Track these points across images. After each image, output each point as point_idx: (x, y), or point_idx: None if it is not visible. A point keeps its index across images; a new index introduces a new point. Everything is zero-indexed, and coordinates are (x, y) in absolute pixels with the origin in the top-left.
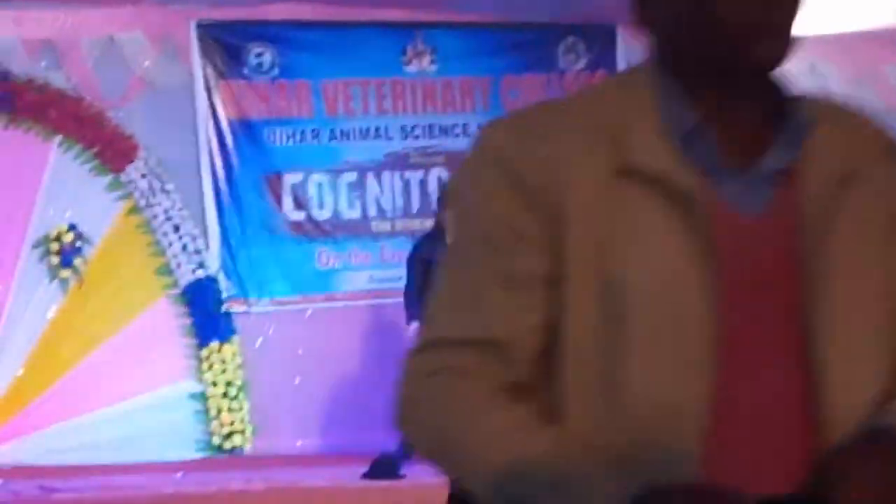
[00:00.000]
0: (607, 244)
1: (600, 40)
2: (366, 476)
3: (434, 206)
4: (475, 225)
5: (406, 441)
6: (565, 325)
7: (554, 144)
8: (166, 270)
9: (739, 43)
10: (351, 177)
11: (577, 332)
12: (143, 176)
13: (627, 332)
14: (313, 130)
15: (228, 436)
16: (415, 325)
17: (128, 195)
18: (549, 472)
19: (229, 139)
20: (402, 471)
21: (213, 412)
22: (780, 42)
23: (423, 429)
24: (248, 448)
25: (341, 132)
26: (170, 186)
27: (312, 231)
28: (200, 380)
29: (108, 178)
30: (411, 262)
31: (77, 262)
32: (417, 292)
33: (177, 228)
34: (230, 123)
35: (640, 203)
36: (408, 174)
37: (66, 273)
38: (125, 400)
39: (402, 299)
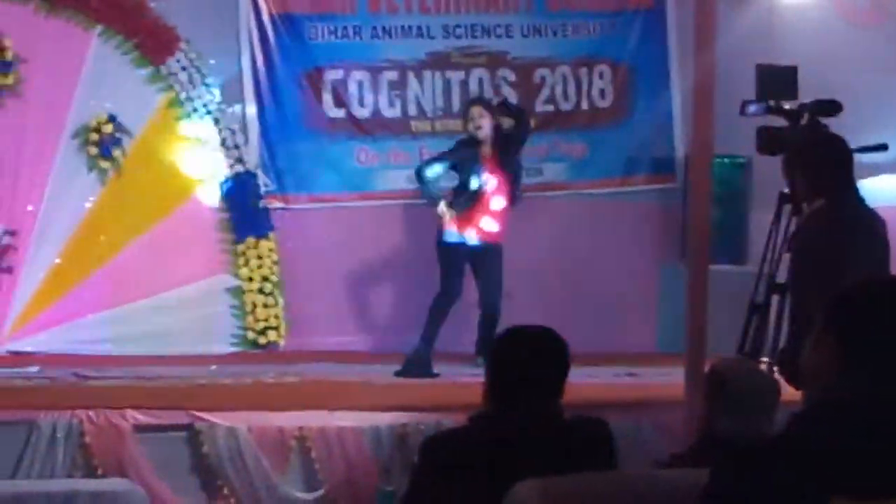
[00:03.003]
0: None
1: None
2: (399, 373)
3: None
4: None
5: None
6: None
7: None
8: (205, 164)
9: None
10: (392, 75)
11: None
12: (184, 69)
13: None
14: (355, 27)
15: (263, 331)
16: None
17: (168, 87)
18: None
19: (271, 33)
20: (435, 369)
21: (248, 307)
22: None
23: None
24: (282, 344)
25: (383, 29)
26: (210, 80)
27: (352, 129)
28: (236, 275)
29: (148, 70)
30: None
31: (116, 153)
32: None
33: (216, 122)
34: (272, 17)
35: None
36: (449, 74)
37: (105, 164)
38: (161, 292)
39: None
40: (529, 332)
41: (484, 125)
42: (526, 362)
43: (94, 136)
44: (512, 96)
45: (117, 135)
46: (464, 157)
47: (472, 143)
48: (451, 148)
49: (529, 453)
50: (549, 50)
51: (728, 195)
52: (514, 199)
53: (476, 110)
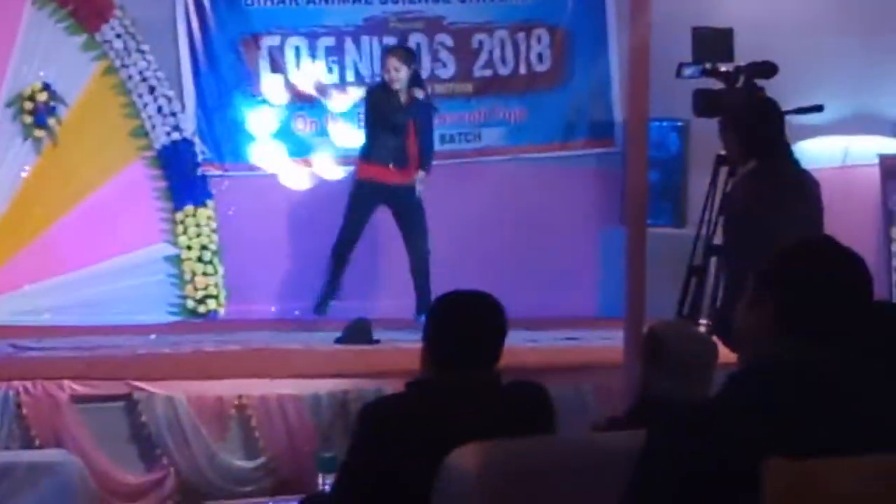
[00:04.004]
0: None
1: None
2: (339, 340)
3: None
4: None
5: None
6: None
7: None
8: (141, 132)
9: None
10: (329, 41)
11: None
12: (119, 36)
13: None
14: None
15: (202, 300)
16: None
17: (103, 55)
18: None
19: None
20: (375, 336)
21: (187, 276)
22: None
23: None
24: (221, 312)
25: None
26: (145, 47)
27: (289, 94)
28: (175, 243)
29: (83, 38)
30: None
31: (51, 121)
32: None
33: (152, 90)
34: None
35: None
36: (386, 39)
37: (40, 133)
38: (99, 262)
39: None
40: (466, 297)
41: (400, 76)
42: (463, 327)
43: (29, 105)
44: (450, 61)
45: (52, 103)
46: (379, 104)
47: (384, 89)
48: (366, 98)
49: (468, 419)
50: (486, 15)
51: (666, 158)
52: (425, 162)
53: (392, 61)
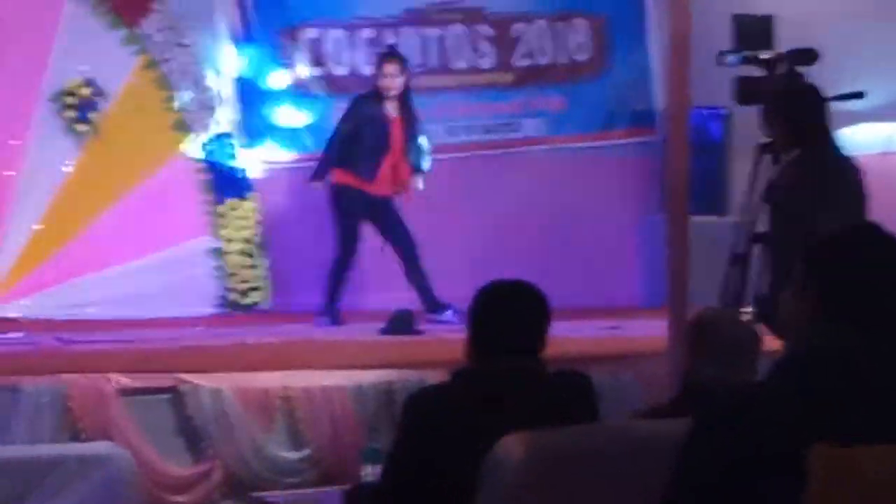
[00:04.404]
0: None
1: None
2: (383, 331)
3: (452, 63)
4: None
5: None
6: None
7: None
8: (183, 126)
9: None
10: (369, 33)
11: None
12: (159, 30)
13: None
14: None
15: (245, 293)
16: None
17: (143, 49)
18: None
19: None
20: (419, 326)
21: (230, 269)
22: None
23: None
24: (265, 305)
25: None
26: (186, 41)
27: (330, 87)
28: (218, 236)
29: (123, 32)
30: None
31: (93, 116)
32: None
33: (194, 83)
34: None
35: None
36: (426, 31)
37: (82, 127)
38: (142, 256)
39: None
40: (508, 286)
41: (396, 83)
42: (505, 315)
43: (71, 100)
44: (490, 52)
45: (94, 98)
46: (365, 114)
47: (374, 98)
48: (350, 108)
49: (512, 408)
50: (525, 5)
51: (707, 146)
52: (416, 168)
53: (389, 67)
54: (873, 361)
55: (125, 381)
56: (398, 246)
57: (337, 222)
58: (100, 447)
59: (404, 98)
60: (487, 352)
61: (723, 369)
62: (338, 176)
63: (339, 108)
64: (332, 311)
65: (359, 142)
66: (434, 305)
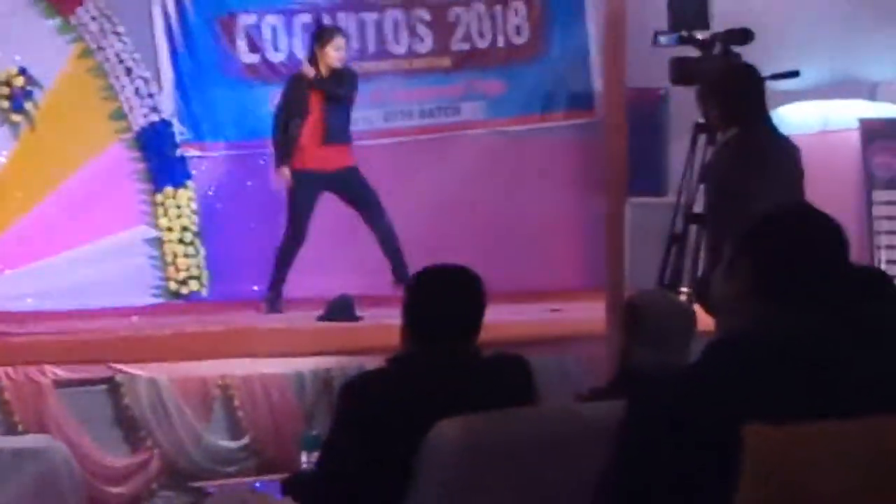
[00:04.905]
0: None
1: None
2: (322, 318)
3: (390, 48)
4: None
5: None
6: None
7: None
8: (119, 114)
9: None
10: (306, 18)
11: None
12: (94, 18)
13: None
14: None
15: (184, 281)
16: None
17: (78, 38)
18: None
19: None
20: (358, 312)
21: (168, 258)
22: None
23: None
24: (204, 293)
25: None
26: (121, 29)
27: (267, 74)
28: (156, 225)
29: (57, 21)
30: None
31: (28, 106)
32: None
33: (129, 72)
34: None
35: None
36: (363, 16)
37: (17, 117)
38: (80, 246)
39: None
40: (443, 271)
41: (342, 56)
42: (441, 301)
43: (5, 90)
44: (428, 36)
45: (28, 87)
46: (295, 96)
47: (302, 81)
48: (286, 91)
49: (448, 393)
50: None
51: (645, 127)
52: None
53: (339, 40)
54: (806, 340)
55: (61, 372)
56: (368, 214)
57: (291, 205)
58: (36, 440)
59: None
60: (423, 337)
61: (658, 351)
62: (296, 159)
63: (276, 94)
64: (272, 298)
65: (294, 124)
66: (404, 277)
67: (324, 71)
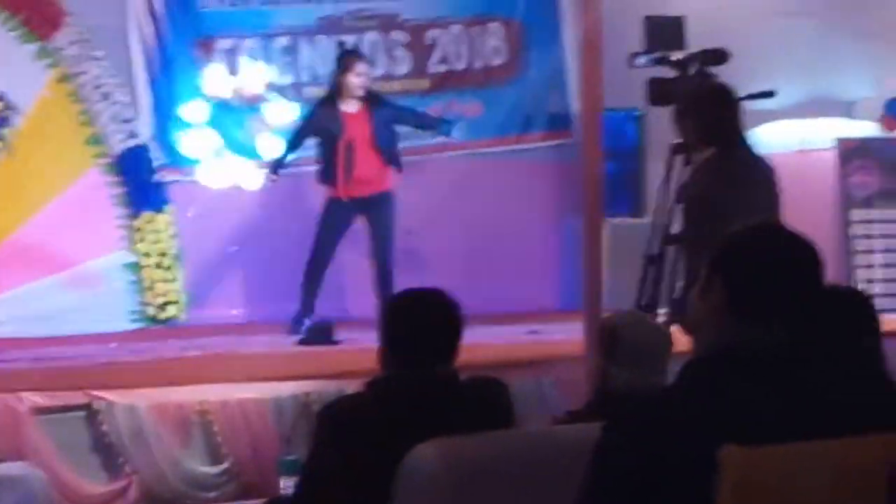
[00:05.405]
0: None
1: None
2: (301, 342)
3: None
4: None
5: None
6: None
7: None
8: (97, 139)
9: None
10: (283, 41)
11: None
12: (72, 43)
13: None
14: None
15: (163, 306)
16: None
17: (56, 63)
18: None
19: (159, 4)
20: (337, 336)
21: (147, 283)
22: None
23: None
24: (182, 318)
25: None
26: (99, 54)
27: (245, 97)
28: (134, 250)
29: (35, 46)
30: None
31: (5, 131)
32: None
33: (107, 96)
34: None
35: None
36: (341, 38)
37: None
38: (58, 272)
39: None
40: (420, 294)
41: (364, 83)
42: (418, 325)
43: None
44: (405, 58)
45: (6, 113)
46: (322, 119)
47: (330, 102)
48: (309, 115)
49: (426, 416)
50: (440, 10)
51: (622, 148)
52: (392, 160)
53: (361, 66)
54: (781, 360)
55: (39, 399)
56: (378, 246)
57: (321, 226)
58: (13, 468)
59: (370, 99)
60: (400, 361)
61: (634, 373)
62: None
63: (253, 118)
64: (298, 321)
65: (329, 150)
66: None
67: (346, 98)
